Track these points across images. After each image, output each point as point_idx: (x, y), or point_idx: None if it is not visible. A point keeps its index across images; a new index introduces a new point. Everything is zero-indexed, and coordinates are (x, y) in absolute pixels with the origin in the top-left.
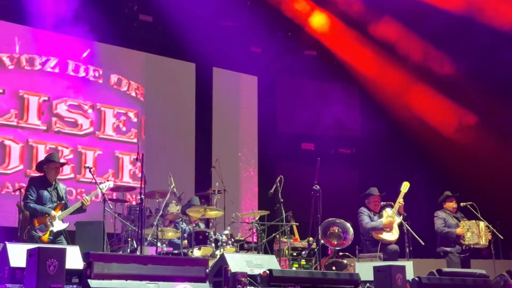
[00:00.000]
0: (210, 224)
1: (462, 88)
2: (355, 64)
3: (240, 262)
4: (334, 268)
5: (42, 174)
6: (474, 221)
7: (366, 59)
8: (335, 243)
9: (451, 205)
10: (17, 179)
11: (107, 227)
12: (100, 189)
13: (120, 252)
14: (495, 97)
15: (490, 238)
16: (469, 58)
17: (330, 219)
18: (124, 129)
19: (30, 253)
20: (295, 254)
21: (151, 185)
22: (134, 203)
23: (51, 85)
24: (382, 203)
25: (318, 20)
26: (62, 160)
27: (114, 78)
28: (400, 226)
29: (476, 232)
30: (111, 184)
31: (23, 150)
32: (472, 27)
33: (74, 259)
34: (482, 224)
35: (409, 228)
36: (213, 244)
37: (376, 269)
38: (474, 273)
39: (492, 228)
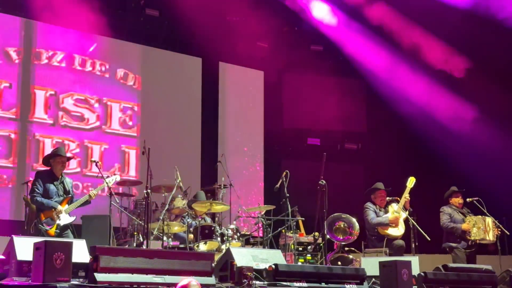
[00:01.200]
0: (216, 219)
1: (468, 82)
2: (361, 58)
3: (246, 257)
4: (339, 263)
5: (48, 168)
6: (480, 216)
7: (373, 53)
8: (341, 238)
9: (457, 200)
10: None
11: (113, 221)
12: (107, 183)
13: (126, 246)
14: (502, 91)
15: (498, 234)
16: (476, 52)
17: (335, 214)
18: (130, 123)
19: (37, 246)
20: (300, 249)
21: (157, 179)
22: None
23: (58, 79)
24: (387, 198)
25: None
26: (68, 154)
27: (120, 72)
28: (406, 221)
29: (482, 228)
30: (117, 178)
31: (30, 144)
32: (478, 21)
33: (80, 252)
34: (488, 219)
35: (415, 223)
36: (219, 239)
37: (382, 264)
38: (480, 268)
39: (499, 224)
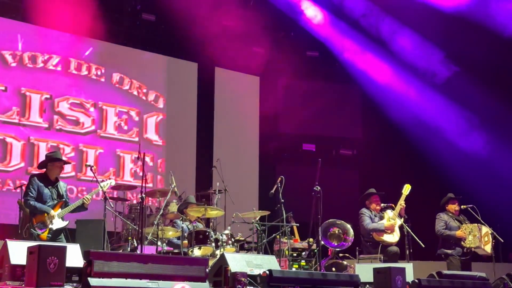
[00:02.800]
0: (211, 224)
1: (462, 89)
2: (357, 65)
3: (240, 262)
4: (334, 269)
5: (43, 172)
6: (476, 224)
7: (368, 60)
8: (335, 244)
9: (454, 207)
10: (18, 177)
11: (108, 225)
12: (101, 187)
13: (121, 251)
14: (498, 97)
15: (493, 246)
16: (468, 57)
17: (330, 220)
18: (125, 127)
19: (30, 250)
20: (295, 254)
21: (152, 184)
22: (134, 201)
23: (53, 83)
24: (382, 204)
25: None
26: (65, 159)
27: (116, 76)
28: (401, 228)
29: (478, 236)
30: (112, 182)
31: (24, 148)
32: (472, 25)
33: (74, 257)
34: (486, 230)
35: (409, 230)
36: (213, 244)
37: (376, 271)
38: (474, 276)
39: (492, 231)
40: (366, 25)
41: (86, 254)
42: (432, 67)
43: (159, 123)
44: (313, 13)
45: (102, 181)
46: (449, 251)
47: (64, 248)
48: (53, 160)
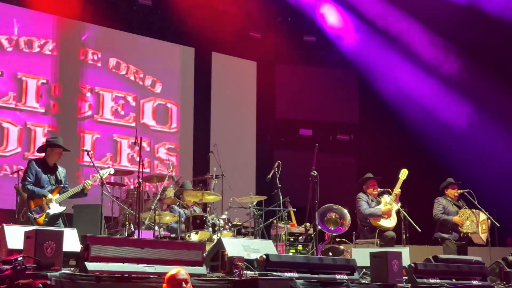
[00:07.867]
0: (208, 209)
1: (459, 73)
2: (354, 49)
3: (237, 247)
4: (330, 253)
5: (41, 157)
6: (474, 210)
7: (366, 44)
8: (332, 229)
9: (453, 192)
10: (15, 162)
11: (105, 210)
12: (100, 175)
13: (118, 235)
14: (494, 83)
15: (488, 236)
16: (468, 45)
17: (327, 205)
18: (122, 112)
19: (27, 235)
20: (292, 239)
21: (149, 169)
22: (132, 187)
23: (50, 68)
24: (379, 189)
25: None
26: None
27: (112, 61)
28: (398, 213)
29: (475, 221)
30: (111, 171)
31: (21, 133)
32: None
33: (71, 241)
34: (482, 215)
35: (406, 214)
36: (210, 229)
37: (373, 255)
38: (470, 260)
39: (489, 216)
40: (365, 11)
41: (83, 239)
42: (432, 53)
43: (156, 108)
44: None
45: (102, 168)
46: (445, 235)
47: (61, 232)
48: (53, 146)
